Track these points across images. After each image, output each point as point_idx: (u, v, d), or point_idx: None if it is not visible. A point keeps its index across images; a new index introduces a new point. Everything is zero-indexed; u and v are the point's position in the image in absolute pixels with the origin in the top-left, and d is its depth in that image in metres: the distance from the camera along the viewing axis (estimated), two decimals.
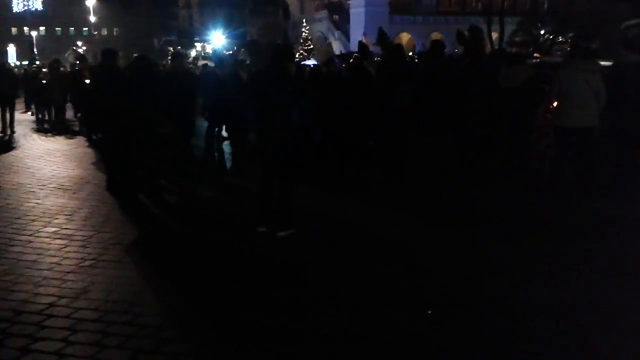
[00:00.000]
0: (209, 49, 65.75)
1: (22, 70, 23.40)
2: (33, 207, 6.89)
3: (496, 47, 32.99)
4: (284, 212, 5.61)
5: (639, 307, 4.00)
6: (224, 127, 10.62)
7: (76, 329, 3.77)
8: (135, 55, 7.88)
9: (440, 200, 6.82)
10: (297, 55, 45.44)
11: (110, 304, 4.11)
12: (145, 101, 7.03)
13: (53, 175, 8.84)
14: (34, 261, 5.03)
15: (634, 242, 5.31)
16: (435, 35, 59.47)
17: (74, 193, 7.63)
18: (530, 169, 7.88)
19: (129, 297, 4.21)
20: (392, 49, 9.22)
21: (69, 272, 4.75)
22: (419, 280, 4.54)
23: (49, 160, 10.23)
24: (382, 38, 36.60)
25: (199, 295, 4.35)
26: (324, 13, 63.50)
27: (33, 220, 6.28)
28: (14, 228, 6.02)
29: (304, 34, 58.30)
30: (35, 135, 13.78)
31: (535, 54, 24.76)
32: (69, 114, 16.19)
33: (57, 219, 6.36)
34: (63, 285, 4.50)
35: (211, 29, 67.46)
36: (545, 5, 53.81)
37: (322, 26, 62.15)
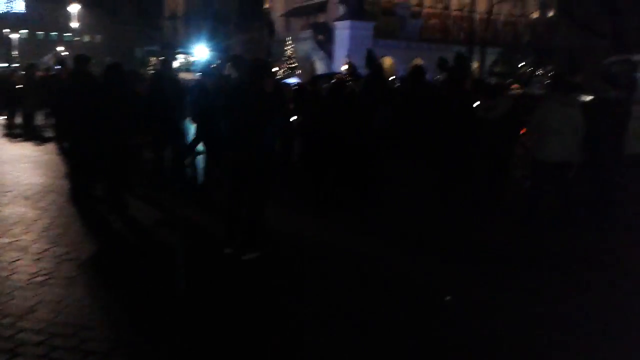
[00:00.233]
0: (192, 61, 65.56)
1: None
2: None
3: (477, 76, 33.33)
4: (251, 233, 5.39)
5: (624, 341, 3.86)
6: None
7: (17, 352, 3.50)
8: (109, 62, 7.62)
9: (414, 227, 6.65)
10: (280, 73, 45.46)
11: (57, 326, 3.84)
12: (115, 110, 6.77)
13: (16, 183, 8.50)
14: None
15: (608, 280, 5.21)
16: (417, 61, 60.18)
17: (36, 202, 7.31)
18: (506, 199, 7.79)
19: (77, 320, 3.95)
20: (371, 72, 9.14)
21: (17, 288, 4.47)
22: (385, 311, 4.35)
23: (15, 167, 9.87)
24: (371, 60, 36.50)
25: (151, 321, 4.09)
26: (308, 32, 63.76)
27: None
28: None
29: (288, 51, 58.45)
30: (3, 140, 13.37)
31: (513, 85, 25.07)
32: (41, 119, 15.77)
33: (13, 229, 6.06)
34: (10, 302, 4.22)
35: (195, 42, 67.31)
36: (526, 37, 54.91)
37: (307, 45, 62.34)
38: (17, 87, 14.98)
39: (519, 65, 43.65)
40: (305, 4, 70.09)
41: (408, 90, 7.53)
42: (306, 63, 58.99)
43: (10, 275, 4.74)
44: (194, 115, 8.73)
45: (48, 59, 39.40)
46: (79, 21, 72.63)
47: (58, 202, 7.36)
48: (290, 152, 11.09)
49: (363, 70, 10.31)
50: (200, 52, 63.80)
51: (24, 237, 5.79)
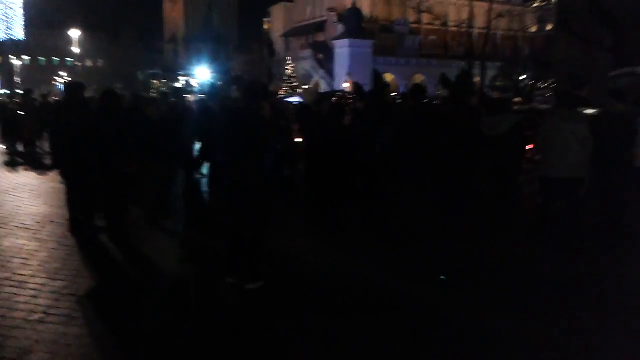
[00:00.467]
0: (193, 83, 65.90)
1: None
2: None
3: (479, 92, 33.34)
4: (253, 262, 5.24)
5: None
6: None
7: None
8: (104, 89, 7.52)
9: (422, 250, 6.49)
10: (280, 92, 45.57)
11: None
12: (107, 137, 6.66)
13: (16, 213, 8.37)
14: None
15: (624, 301, 5.03)
16: (418, 77, 60.41)
17: (35, 233, 7.18)
18: (516, 217, 7.63)
19: None
20: (372, 91, 9.04)
21: (13, 327, 4.32)
22: (395, 339, 4.19)
23: (15, 196, 9.75)
24: (377, 79, 36.05)
25: None
26: (308, 51, 64.18)
27: None
28: None
29: (288, 70, 58.75)
30: (4, 169, 13.24)
31: (516, 99, 25.02)
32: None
33: (11, 262, 5.92)
34: (5, 343, 4.06)
35: (196, 64, 67.78)
36: (526, 51, 55.06)
37: (307, 64, 62.70)
38: (17, 113, 14.96)
39: (520, 79, 43.72)
40: (303, 23, 70.65)
41: (408, 108, 7.41)
42: (307, 81, 59.25)
43: (8, 312, 4.59)
44: (196, 137, 8.60)
45: (47, 85, 39.62)
46: (80, 46, 73.24)
47: (58, 232, 7.22)
48: (295, 173, 10.99)
49: (368, 89, 10.20)
50: (202, 74, 64.31)
51: (22, 270, 5.64)
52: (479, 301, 5.01)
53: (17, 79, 54.23)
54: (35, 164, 13.57)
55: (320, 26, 66.91)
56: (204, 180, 9.89)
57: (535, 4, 54.61)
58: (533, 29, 60.44)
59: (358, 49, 56.58)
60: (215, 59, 66.99)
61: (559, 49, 36.10)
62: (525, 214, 7.63)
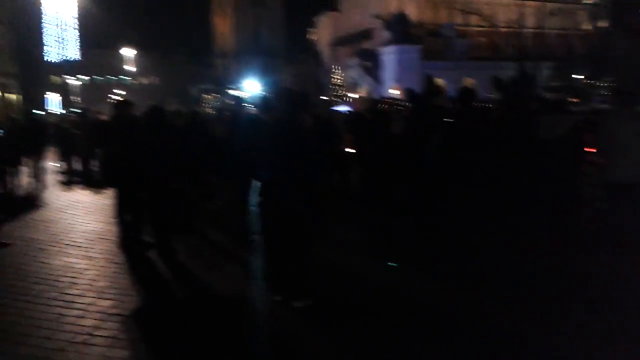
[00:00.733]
0: (244, 96, 66.90)
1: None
2: (40, 267, 6.51)
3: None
4: (300, 279, 5.06)
5: None
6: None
7: None
8: (150, 105, 7.53)
9: (482, 264, 6.15)
10: (328, 101, 45.55)
11: None
12: (155, 154, 6.66)
13: (69, 231, 8.51)
14: (25, 334, 4.59)
15: None
16: (468, 81, 59.28)
17: (85, 251, 7.24)
18: (576, 224, 7.20)
19: None
20: (420, 97, 8.78)
21: (58, 350, 4.28)
22: None
23: (69, 214, 9.95)
24: (429, 85, 34.87)
25: None
26: (355, 60, 64.03)
27: (35, 283, 5.89)
28: (12, 292, 5.62)
29: (335, 80, 58.79)
30: (61, 187, 13.60)
31: (571, 99, 24.08)
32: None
33: (61, 281, 5.95)
34: None
35: (245, 77, 68.81)
36: (580, 50, 53.21)
37: (354, 72, 62.54)
38: (72, 131, 15.31)
39: (575, 79, 42.25)
40: (350, 32, 70.60)
41: (458, 114, 7.10)
42: (358, 90, 59.11)
43: (53, 334, 4.57)
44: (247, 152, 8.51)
45: (104, 104, 40.91)
46: (134, 65, 75.70)
47: (108, 250, 7.26)
48: (348, 183, 10.83)
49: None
50: (251, 87, 65.21)
51: (70, 290, 5.65)
52: (552, 318, 4.67)
53: (76, 99, 56.23)
54: (90, 182, 13.80)
55: (367, 34, 66.70)
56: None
57: (588, 1, 52.86)
58: (587, 26, 58.44)
59: (405, 55, 56.09)
60: (264, 72, 67.85)
61: (616, 46, 34.67)
62: (587, 221, 7.18)
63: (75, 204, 11.03)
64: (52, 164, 16.67)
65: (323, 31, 77.43)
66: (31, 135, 13.78)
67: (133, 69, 73.84)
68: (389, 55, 58.40)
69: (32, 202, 11.51)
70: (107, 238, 7.88)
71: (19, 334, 4.62)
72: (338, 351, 4.23)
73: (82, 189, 13.03)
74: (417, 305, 5.13)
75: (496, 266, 6.04)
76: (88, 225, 8.89)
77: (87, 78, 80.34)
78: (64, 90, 51.07)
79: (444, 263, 6.22)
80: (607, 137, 6.14)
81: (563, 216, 6.95)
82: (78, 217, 9.57)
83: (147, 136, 6.98)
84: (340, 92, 57.62)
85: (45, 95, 67.48)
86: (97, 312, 5.04)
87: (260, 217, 5.24)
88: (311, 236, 5.14)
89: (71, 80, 59.95)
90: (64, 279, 6.01)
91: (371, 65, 61.67)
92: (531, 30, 49.07)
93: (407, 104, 10.90)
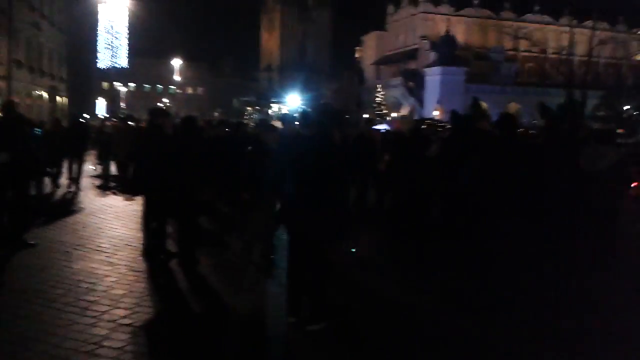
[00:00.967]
0: (284, 110, 67.43)
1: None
2: (60, 270, 6.47)
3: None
4: (316, 301, 4.84)
5: None
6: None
7: None
8: (185, 116, 7.51)
9: (518, 296, 5.82)
10: (369, 119, 45.32)
11: None
12: (184, 165, 6.58)
13: (96, 235, 8.51)
14: (35, 339, 4.50)
15: None
16: (513, 106, 58.34)
17: (108, 256, 7.19)
18: (620, 257, 6.80)
19: None
20: (459, 120, 8.50)
21: (62, 359, 4.16)
22: None
23: (99, 218, 9.98)
24: (476, 109, 33.74)
25: None
26: (399, 79, 63.89)
27: (53, 287, 5.83)
28: (30, 294, 5.56)
29: (377, 98, 58.64)
30: (96, 190, 13.73)
31: (619, 130, 23.29)
32: None
33: (79, 287, 5.88)
34: None
35: (288, 91, 69.36)
36: (630, 80, 51.76)
37: (397, 92, 62.39)
38: (112, 136, 15.44)
39: (624, 109, 41.02)
40: (395, 51, 70.54)
41: (496, 140, 6.77)
42: (400, 110, 58.79)
43: (62, 342, 4.46)
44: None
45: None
46: (180, 75, 77.23)
47: (130, 257, 7.20)
48: (383, 203, 10.61)
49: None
50: (293, 101, 65.65)
51: (86, 296, 5.57)
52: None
53: (122, 105, 57.65)
54: (125, 187, 13.88)
55: (412, 54, 66.57)
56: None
57: None
58: (638, 57, 56.91)
59: (450, 76, 55.61)
60: (306, 87, 68.22)
61: None
62: (631, 256, 6.77)
63: (107, 208, 11.09)
64: (90, 167, 16.96)
65: (368, 49, 77.66)
66: (72, 138, 13.98)
67: (179, 78, 75.21)
68: (433, 76, 58.08)
69: (65, 204, 11.67)
70: (132, 245, 7.84)
71: (29, 338, 4.54)
72: None
73: (116, 193, 13.10)
74: (439, 335, 4.85)
75: (529, 301, 5.69)
76: (115, 230, 8.88)
77: (133, 85, 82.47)
78: (111, 96, 52.39)
79: (473, 293, 5.90)
80: None
81: (604, 252, 6.54)
82: (107, 222, 9.58)
83: (177, 146, 6.92)
84: (381, 110, 57.44)
85: (95, 100, 69.57)
86: (109, 321, 4.93)
87: (279, 235, 5.06)
88: (330, 258, 4.92)
89: (118, 87, 61.52)
90: (82, 285, 5.94)
91: (414, 85, 61.37)
92: (581, 57, 47.94)
93: (448, 125, 10.59)
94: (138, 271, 6.56)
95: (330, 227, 4.74)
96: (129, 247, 7.76)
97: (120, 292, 5.75)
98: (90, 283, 6.00)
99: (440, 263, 7.00)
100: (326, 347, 4.58)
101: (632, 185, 6.80)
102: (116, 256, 7.22)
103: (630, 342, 4.80)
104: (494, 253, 6.64)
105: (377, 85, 61.47)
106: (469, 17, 67.31)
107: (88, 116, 41.33)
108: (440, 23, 62.85)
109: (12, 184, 7.56)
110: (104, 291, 5.76)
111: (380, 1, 74.91)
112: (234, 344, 4.67)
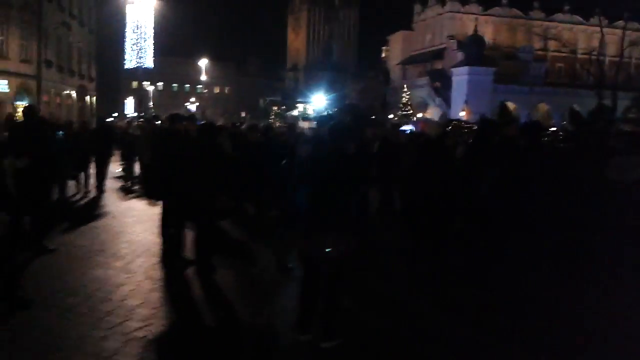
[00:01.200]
0: (310, 110, 67.41)
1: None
2: (77, 277, 6.48)
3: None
4: (330, 318, 4.73)
5: None
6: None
7: None
8: (202, 122, 7.47)
9: (533, 315, 5.65)
10: (394, 120, 44.98)
11: None
12: (200, 171, 6.53)
13: (116, 240, 8.55)
14: (46, 351, 4.48)
15: None
16: (542, 107, 57.35)
17: (127, 264, 7.18)
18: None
19: None
20: (485, 125, 8.31)
21: None
22: None
23: (120, 221, 10.03)
24: (504, 113, 32.72)
25: None
26: (425, 79, 63.33)
27: (70, 295, 5.82)
28: (46, 303, 5.56)
29: (404, 99, 58.21)
30: (119, 192, 13.80)
31: None
32: None
33: (95, 295, 5.87)
34: None
35: (314, 91, 69.29)
36: None
37: (423, 92, 61.85)
38: (136, 137, 15.37)
39: None
40: (422, 51, 69.95)
41: (520, 149, 6.57)
42: (427, 110, 58.23)
43: (72, 354, 4.44)
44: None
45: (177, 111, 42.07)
46: (207, 74, 77.74)
47: (148, 264, 7.18)
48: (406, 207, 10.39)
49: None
50: (318, 101, 65.57)
51: (101, 306, 5.54)
52: None
53: (149, 104, 58.23)
54: (145, 191, 13.85)
55: (439, 54, 65.94)
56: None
57: None
58: None
59: (477, 76, 54.91)
60: (332, 87, 68.09)
61: None
62: None
63: (129, 211, 11.13)
64: (115, 169, 17.03)
65: (394, 49, 77.20)
66: (98, 142, 13.92)
67: (205, 77, 75.72)
68: (460, 76, 57.38)
69: (87, 207, 11.74)
70: (151, 250, 7.83)
71: (41, 349, 4.53)
72: None
73: (139, 196, 13.11)
74: (452, 351, 4.71)
75: (548, 320, 5.50)
76: (136, 235, 8.89)
77: (161, 84, 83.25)
78: (138, 96, 52.99)
79: (488, 311, 5.73)
80: None
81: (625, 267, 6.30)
82: (128, 226, 9.61)
83: (196, 152, 6.87)
84: (408, 111, 57.03)
85: (124, 100, 70.42)
86: (123, 333, 4.88)
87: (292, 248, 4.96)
88: (343, 274, 4.80)
89: (146, 86, 62.19)
90: (98, 294, 5.92)
91: (441, 85, 60.75)
92: (612, 58, 46.91)
93: (475, 127, 10.28)
94: (154, 279, 6.53)
95: (344, 242, 4.62)
96: (148, 253, 7.75)
97: (136, 302, 5.71)
98: (106, 292, 5.98)
99: (454, 272, 6.84)
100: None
101: None
102: (134, 263, 7.21)
103: None
104: (505, 263, 6.47)
105: (404, 85, 61.00)
106: (497, 16, 66.43)
107: (116, 115, 41.74)
108: (468, 23, 62.12)
109: (32, 188, 7.60)
110: (120, 300, 5.73)
111: (407, 1, 74.43)
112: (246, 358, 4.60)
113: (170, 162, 7.00)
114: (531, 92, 57.74)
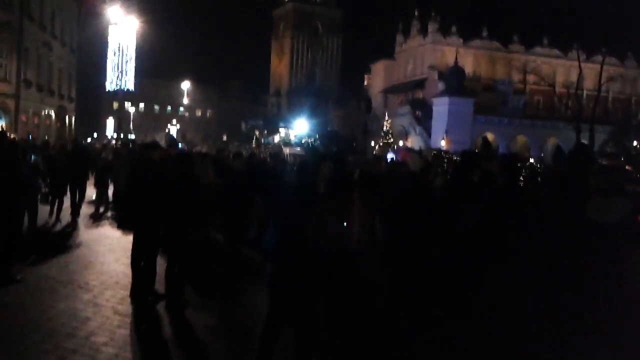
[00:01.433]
0: (291, 135, 67.52)
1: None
2: (43, 311, 6.22)
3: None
4: None
5: None
6: None
7: None
8: (179, 149, 7.34)
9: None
10: (378, 156, 45.14)
11: None
12: (177, 201, 6.37)
13: (85, 270, 8.27)
14: None
15: None
16: (520, 139, 58.09)
17: (95, 296, 6.94)
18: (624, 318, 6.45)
19: None
20: (463, 161, 8.25)
21: None
22: None
23: (91, 250, 9.74)
24: (486, 147, 33.06)
25: None
26: (406, 108, 63.94)
27: (34, 331, 5.58)
28: (6, 339, 5.32)
29: (385, 127, 58.59)
30: (92, 219, 13.42)
31: (626, 167, 22.98)
32: None
33: (60, 332, 5.62)
34: None
35: (296, 117, 69.57)
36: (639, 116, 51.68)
37: (404, 121, 62.36)
38: (110, 163, 15.02)
39: (633, 146, 40.77)
40: (403, 81, 70.81)
41: (497, 188, 6.50)
42: (403, 138, 58.62)
43: None
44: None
45: (160, 137, 41.63)
46: (189, 97, 77.61)
47: (117, 297, 6.94)
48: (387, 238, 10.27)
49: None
50: (300, 126, 65.79)
51: (66, 342, 5.32)
52: None
53: (129, 126, 57.80)
54: (117, 219, 13.50)
55: (420, 84, 66.78)
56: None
57: None
58: None
59: (457, 107, 55.55)
60: (314, 113, 68.44)
61: None
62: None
63: (102, 239, 10.85)
64: (92, 193, 16.65)
65: (376, 77, 78.04)
66: (74, 166, 13.51)
67: (187, 100, 75.58)
68: (441, 106, 58.01)
69: (59, 233, 11.42)
70: (121, 282, 7.59)
71: None
72: None
73: (113, 222, 12.83)
74: None
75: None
76: (106, 265, 8.63)
77: (142, 105, 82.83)
78: (119, 117, 52.64)
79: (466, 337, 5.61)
80: None
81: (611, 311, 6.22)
82: (99, 255, 9.34)
83: (169, 183, 6.72)
84: (388, 139, 57.34)
85: (105, 120, 69.76)
86: None
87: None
88: (313, 325, 4.58)
89: (127, 107, 61.79)
90: (63, 329, 5.68)
91: (422, 114, 61.33)
92: (590, 92, 47.87)
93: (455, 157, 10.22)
94: (123, 315, 6.30)
95: (320, 280, 4.47)
96: (117, 285, 7.51)
97: (102, 339, 5.49)
98: (72, 327, 5.74)
99: (432, 305, 6.73)
100: None
101: None
102: (102, 296, 6.96)
103: None
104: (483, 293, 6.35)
105: (385, 114, 61.49)
106: (477, 48, 67.68)
107: (96, 136, 41.22)
108: (449, 54, 63.09)
109: None
110: (85, 337, 5.50)
111: (390, 30, 75.58)
112: None
113: (143, 191, 6.82)
114: (510, 124, 58.56)
